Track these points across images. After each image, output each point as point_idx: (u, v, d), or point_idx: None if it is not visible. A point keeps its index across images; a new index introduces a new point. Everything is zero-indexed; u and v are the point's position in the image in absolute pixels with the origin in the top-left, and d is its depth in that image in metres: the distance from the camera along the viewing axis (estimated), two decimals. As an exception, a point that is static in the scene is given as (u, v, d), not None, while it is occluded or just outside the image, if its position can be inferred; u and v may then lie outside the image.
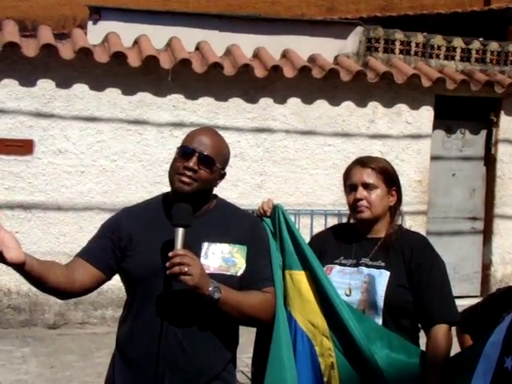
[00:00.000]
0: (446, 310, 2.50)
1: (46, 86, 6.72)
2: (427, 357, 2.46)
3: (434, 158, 8.12)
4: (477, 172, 8.46)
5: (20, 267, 2.14)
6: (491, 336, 2.36)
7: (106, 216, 7.84)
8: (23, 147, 6.64)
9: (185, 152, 2.40)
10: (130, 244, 2.42)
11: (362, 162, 2.64)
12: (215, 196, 2.55)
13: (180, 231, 2.26)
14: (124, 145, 6.98)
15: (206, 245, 2.39)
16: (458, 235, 8.21)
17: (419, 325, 2.58)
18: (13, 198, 6.66)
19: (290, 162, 7.53)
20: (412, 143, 7.92)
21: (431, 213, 8.09)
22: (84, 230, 6.84)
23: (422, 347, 2.54)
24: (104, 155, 6.93)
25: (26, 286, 6.69)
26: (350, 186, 2.64)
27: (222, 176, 2.52)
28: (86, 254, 2.44)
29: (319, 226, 5.30)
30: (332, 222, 5.46)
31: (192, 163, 2.37)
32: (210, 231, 2.41)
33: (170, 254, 2.23)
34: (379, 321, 2.50)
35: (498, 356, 2.30)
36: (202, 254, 2.37)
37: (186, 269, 2.21)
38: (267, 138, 7.43)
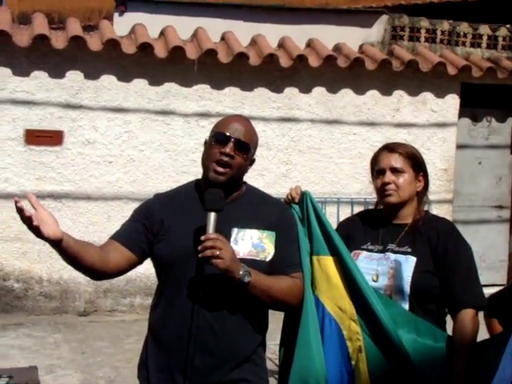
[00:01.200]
0: (472, 294, 2.53)
1: (74, 77, 6.83)
2: (454, 341, 2.50)
3: (459, 147, 8.09)
4: (503, 160, 8.42)
5: (57, 244, 2.22)
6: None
7: (135, 205, 7.95)
8: (53, 138, 6.77)
9: (221, 138, 2.44)
10: (162, 229, 2.48)
11: (390, 148, 2.69)
12: (244, 182, 2.60)
13: (212, 216, 2.32)
14: (151, 135, 7.07)
15: (235, 230, 2.45)
16: (483, 224, 8.18)
17: (446, 309, 2.62)
18: (43, 187, 6.79)
19: (315, 151, 7.57)
20: (437, 132, 7.90)
21: (457, 201, 8.08)
22: (112, 219, 6.96)
23: (449, 332, 2.58)
24: (131, 145, 7.02)
25: (57, 274, 6.85)
26: (378, 171, 2.68)
27: (252, 162, 2.57)
28: (120, 236, 2.51)
29: (345, 215, 5.31)
30: (358, 210, 5.49)
31: (229, 149, 2.42)
32: (240, 217, 2.47)
33: (202, 237, 2.28)
34: (406, 306, 2.54)
35: None
36: (232, 239, 2.42)
37: (218, 252, 2.26)
38: (292, 127, 7.47)
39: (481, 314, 2.59)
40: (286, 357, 2.62)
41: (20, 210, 2.14)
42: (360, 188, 7.58)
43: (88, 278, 7.47)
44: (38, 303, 6.85)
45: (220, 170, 2.43)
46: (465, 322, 2.49)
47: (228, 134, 2.44)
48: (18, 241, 6.76)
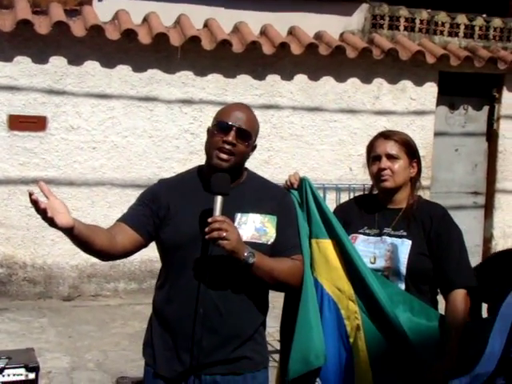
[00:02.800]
0: (463, 275, 2.67)
1: (58, 63, 6.82)
2: (446, 320, 2.63)
3: (437, 134, 8.26)
4: (479, 147, 8.62)
5: (69, 231, 2.30)
6: (507, 297, 2.53)
7: (118, 191, 7.98)
8: (36, 123, 6.75)
9: (223, 127, 2.52)
10: (168, 213, 2.56)
11: (386, 135, 2.80)
12: (246, 169, 2.69)
13: (219, 199, 2.40)
14: (135, 121, 7.10)
15: (239, 215, 2.53)
16: (460, 210, 8.37)
17: (438, 290, 2.75)
18: (27, 173, 6.79)
19: (296, 138, 7.67)
20: (416, 119, 8.06)
21: (434, 188, 8.26)
22: (96, 204, 6.99)
23: (441, 311, 2.72)
24: (115, 131, 7.05)
25: (40, 259, 6.88)
26: (373, 157, 2.79)
27: (254, 148, 2.66)
28: (128, 219, 2.59)
29: (330, 200, 5.45)
30: (343, 196, 5.62)
31: (231, 137, 2.49)
32: (243, 202, 2.55)
33: (210, 219, 2.37)
34: (402, 286, 2.68)
35: None
36: (236, 223, 2.50)
37: (225, 234, 2.34)
38: (274, 114, 7.56)
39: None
40: (286, 336, 2.72)
41: (35, 202, 2.20)
42: (340, 174, 7.72)
43: (72, 263, 7.48)
44: (22, 288, 6.86)
45: (223, 156, 2.51)
46: (456, 301, 2.63)
47: (230, 122, 2.52)
48: (1, 226, 6.77)
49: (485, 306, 2.92)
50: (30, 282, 6.89)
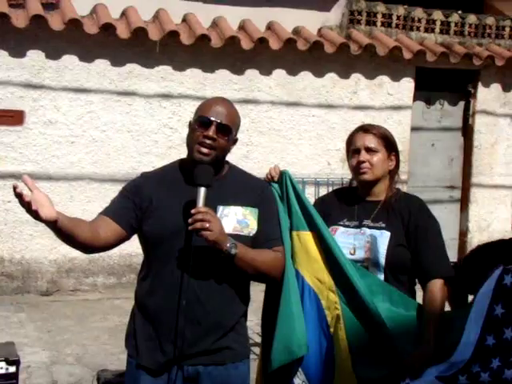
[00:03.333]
0: (440, 266, 2.73)
1: (35, 56, 6.78)
2: (424, 309, 2.69)
3: (413, 129, 8.36)
4: (455, 142, 8.74)
5: (53, 224, 2.31)
6: (481, 288, 2.60)
7: (97, 185, 7.96)
8: (14, 118, 6.71)
9: (203, 122, 2.55)
10: (151, 205, 2.58)
11: (365, 129, 2.85)
12: (227, 162, 2.72)
13: (202, 190, 2.44)
14: (113, 115, 7.09)
15: (220, 208, 2.56)
16: (436, 203, 8.47)
17: (416, 280, 2.81)
18: (5, 168, 6.75)
19: (275, 133, 7.72)
20: (393, 114, 8.15)
21: (411, 182, 8.35)
22: (75, 199, 6.97)
23: (419, 301, 2.78)
24: (94, 126, 7.03)
25: (18, 254, 6.85)
26: (353, 151, 2.85)
27: (235, 142, 2.69)
28: (110, 212, 2.61)
29: (310, 194, 5.51)
30: (322, 189, 5.68)
31: (211, 132, 2.52)
32: (224, 195, 2.58)
33: (193, 210, 2.40)
34: (381, 277, 2.73)
35: (487, 305, 2.55)
36: (218, 216, 2.52)
37: (207, 225, 2.38)
38: (253, 109, 7.59)
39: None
40: (268, 327, 2.76)
41: (19, 195, 2.21)
42: (319, 169, 7.78)
43: (50, 258, 7.45)
44: (-1, 283, 6.84)
45: (204, 150, 2.53)
46: (434, 291, 2.69)
47: (211, 117, 2.54)
48: (-22, 221, 6.73)
49: (471, 298, 2.97)
50: (7, 277, 6.85)
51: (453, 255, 8.61)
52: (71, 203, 6.92)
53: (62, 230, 2.38)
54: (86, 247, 2.54)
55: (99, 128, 7.05)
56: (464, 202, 8.78)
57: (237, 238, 2.51)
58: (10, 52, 6.70)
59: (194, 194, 2.46)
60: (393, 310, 2.68)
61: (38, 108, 6.83)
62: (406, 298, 2.74)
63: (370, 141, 2.81)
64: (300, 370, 2.74)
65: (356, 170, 2.82)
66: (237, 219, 2.58)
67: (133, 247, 2.70)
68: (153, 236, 2.59)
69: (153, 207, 2.59)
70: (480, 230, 8.76)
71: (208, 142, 2.52)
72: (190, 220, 2.39)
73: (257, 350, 4.71)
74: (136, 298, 2.71)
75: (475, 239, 8.75)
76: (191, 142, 2.58)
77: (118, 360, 4.78)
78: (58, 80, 6.86)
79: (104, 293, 7.01)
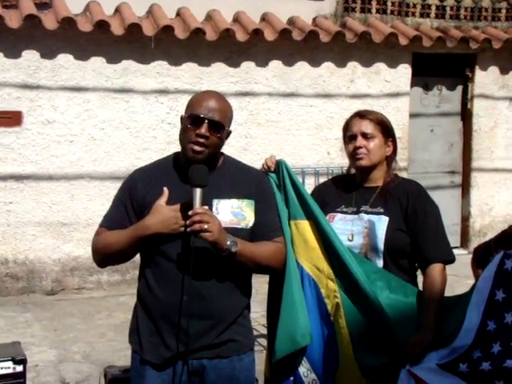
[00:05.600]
0: (440, 250, 2.72)
1: (30, 57, 6.77)
2: (424, 294, 2.68)
3: (412, 115, 8.34)
4: (454, 127, 8.72)
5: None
6: (482, 273, 2.60)
7: (97, 184, 7.94)
8: (12, 119, 6.72)
9: (195, 120, 2.52)
10: (147, 206, 2.55)
11: (361, 114, 2.84)
12: (222, 154, 2.69)
13: (198, 191, 2.41)
14: (111, 113, 7.09)
15: (216, 201, 2.54)
16: (437, 189, 8.46)
17: (416, 264, 2.81)
18: (4, 169, 6.75)
19: (273, 124, 7.71)
20: (391, 101, 8.13)
21: (411, 168, 8.35)
22: (76, 198, 6.98)
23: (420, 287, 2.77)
24: (92, 124, 7.03)
25: (22, 254, 6.87)
26: (349, 137, 2.84)
27: (228, 134, 2.67)
28: (109, 225, 2.62)
29: (310, 185, 5.49)
30: (322, 179, 5.66)
31: (203, 130, 2.49)
32: (219, 188, 2.56)
33: (190, 212, 2.38)
34: (380, 262, 2.72)
35: (489, 289, 2.55)
36: (213, 210, 2.51)
37: (206, 226, 2.36)
38: (250, 101, 7.59)
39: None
40: (273, 317, 2.76)
41: None
42: (318, 159, 7.78)
43: (54, 257, 7.43)
44: (4, 284, 6.84)
45: (197, 149, 2.51)
46: (434, 276, 2.68)
47: (202, 115, 2.51)
48: (-19, 223, 6.75)
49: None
50: (12, 278, 6.87)
51: (455, 240, 8.62)
52: (72, 202, 6.93)
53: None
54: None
55: (97, 126, 7.05)
56: (465, 187, 8.77)
57: (234, 231, 2.50)
58: (5, 53, 6.69)
59: (189, 192, 2.43)
60: (392, 297, 2.68)
61: (36, 108, 6.83)
62: (405, 284, 2.73)
63: (367, 126, 2.80)
64: (304, 358, 2.74)
65: (353, 155, 2.82)
66: (233, 212, 2.56)
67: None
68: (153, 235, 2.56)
69: (148, 206, 2.55)
70: (482, 215, 8.75)
71: (201, 140, 2.50)
72: (187, 222, 2.38)
73: (262, 341, 4.75)
74: (138, 295, 2.71)
75: (477, 224, 8.75)
76: (184, 140, 2.56)
77: (124, 356, 4.79)
78: (55, 79, 6.86)
79: (109, 290, 7.03)
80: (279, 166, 2.83)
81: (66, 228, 6.86)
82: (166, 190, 2.53)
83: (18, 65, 6.75)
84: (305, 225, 2.75)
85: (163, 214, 2.49)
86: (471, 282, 2.64)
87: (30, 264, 6.91)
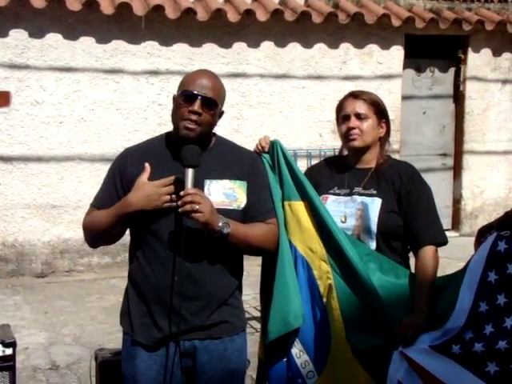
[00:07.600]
0: (432, 232, 2.70)
1: (18, 36, 6.68)
2: (416, 276, 2.66)
3: (404, 97, 8.31)
4: (446, 109, 8.69)
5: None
6: (475, 254, 2.58)
7: (87, 165, 7.86)
8: (0, 99, 6.63)
9: (187, 96, 2.48)
10: (134, 183, 2.50)
11: (355, 95, 2.80)
12: (214, 134, 2.66)
13: (190, 171, 2.38)
14: (101, 94, 7.01)
15: (207, 182, 2.51)
16: (429, 172, 8.43)
17: (409, 246, 2.78)
18: (-7, 150, 6.69)
19: (265, 106, 7.65)
20: (383, 83, 8.08)
21: (403, 151, 8.32)
22: (66, 179, 6.92)
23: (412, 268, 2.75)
24: (81, 105, 6.95)
25: (11, 237, 6.81)
26: (342, 117, 2.80)
27: (221, 115, 2.63)
28: (99, 205, 2.58)
29: (302, 167, 5.46)
30: (315, 161, 5.62)
31: (196, 107, 2.46)
32: (211, 168, 2.52)
33: (182, 193, 2.35)
34: (373, 244, 2.70)
35: (481, 271, 2.53)
36: (205, 190, 2.48)
37: (198, 207, 2.33)
38: (242, 82, 7.52)
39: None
40: (266, 299, 2.74)
41: None
42: (311, 141, 7.74)
43: (43, 240, 7.37)
44: (-7, 267, 6.80)
45: (189, 126, 2.47)
46: (426, 258, 2.66)
47: (195, 91, 2.47)
48: (-31, 205, 6.68)
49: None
50: (1, 261, 6.82)
51: (447, 223, 8.61)
52: (62, 184, 6.87)
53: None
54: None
55: (87, 107, 6.98)
56: (457, 170, 8.77)
57: (226, 212, 2.47)
58: (-8, 32, 6.60)
59: (181, 171, 2.41)
60: (383, 279, 2.66)
61: (24, 89, 6.74)
62: (397, 266, 2.71)
63: (360, 107, 2.76)
64: (297, 339, 2.73)
65: (346, 136, 2.78)
66: (225, 193, 2.52)
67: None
68: (141, 216, 2.51)
69: None
70: (474, 197, 8.76)
71: (193, 117, 2.46)
72: (179, 202, 2.35)
73: (253, 323, 4.74)
74: (129, 276, 2.67)
75: (469, 206, 8.75)
76: (176, 118, 2.52)
77: (115, 339, 4.76)
78: (43, 59, 6.77)
79: (99, 273, 6.99)
80: (273, 147, 2.80)
81: (55, 210, 6.80)
82: (147, 165, 2.49)
83: (5, 44, 6.65)
84: (299, 206, 2.72)
85: (145, 189, 2.45)
86: (463, 264, 2.62)
87: (19, 246, 6.85)
